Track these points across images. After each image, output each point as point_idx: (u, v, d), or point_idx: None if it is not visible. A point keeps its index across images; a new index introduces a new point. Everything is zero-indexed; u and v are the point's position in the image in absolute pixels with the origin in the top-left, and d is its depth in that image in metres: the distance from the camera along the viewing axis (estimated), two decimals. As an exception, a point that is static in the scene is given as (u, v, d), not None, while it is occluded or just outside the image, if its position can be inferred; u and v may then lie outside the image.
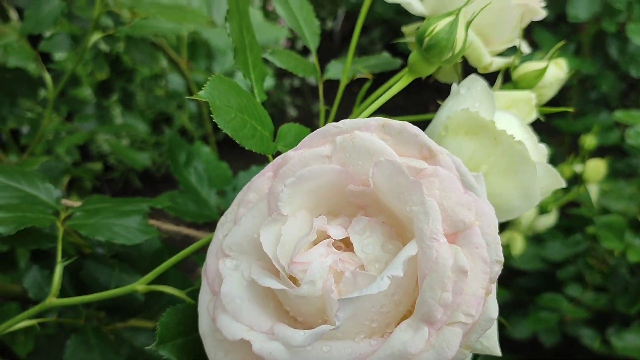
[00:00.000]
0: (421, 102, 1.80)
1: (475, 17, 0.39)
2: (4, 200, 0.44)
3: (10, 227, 0.40)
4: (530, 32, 1.26)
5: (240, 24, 0.43)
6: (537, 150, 0.41)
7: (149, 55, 0.79)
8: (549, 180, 0.40)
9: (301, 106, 2.52)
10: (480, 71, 0.45)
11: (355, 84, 0.51)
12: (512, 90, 0.45)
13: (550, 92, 0.47)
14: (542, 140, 0.43)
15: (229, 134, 0.35)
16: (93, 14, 0.64)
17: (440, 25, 0.38)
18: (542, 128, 0.59)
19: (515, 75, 0.47)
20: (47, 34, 0.70)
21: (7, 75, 0.73)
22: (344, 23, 2.77)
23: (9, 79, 0.73)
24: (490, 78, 0.44)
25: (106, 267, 0.50)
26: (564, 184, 0.41)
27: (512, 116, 0.41)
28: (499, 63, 0.45)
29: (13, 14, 0.86)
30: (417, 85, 0.48)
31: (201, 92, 0.35)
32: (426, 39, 0.38)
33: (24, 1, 0.72)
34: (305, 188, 0.32)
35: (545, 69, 0.45)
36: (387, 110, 0.41)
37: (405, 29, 0.49)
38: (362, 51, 2.55)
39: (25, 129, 1.07)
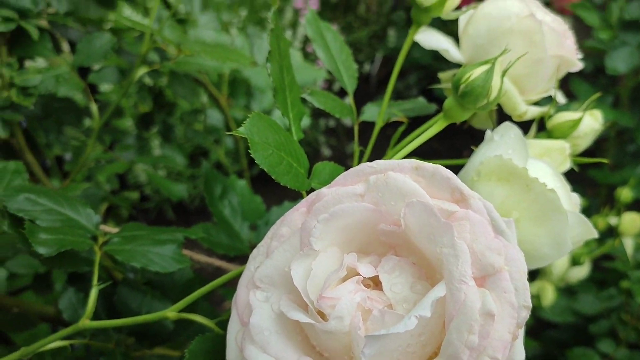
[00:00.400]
0: (455, 146, 1.80)
1: (511, 66, 0.40)
2: (47, 222, 0.45)
3: (52, 249, 0.42)
4: (567, 82, 1.26)
5: (281, 65, 0.44)
6: (570, 199, 0.41)
7: (191, 91, 0.81)
8: (580, 229, 0.40)
9: (335, 146, 2.54)
10: (514, 119, 0.45)
11: (390, 126, 0.52)
12: (546, 139, 0.45)
13: (584, 143, 0.47)
14: (576, 190, 0.43)
15: (265, 170, 0.36)
16: (141, 50, 0.66)
17: (477, 73, 0.38)
18: (578, 179, 0.59)
19: (550, 124, 0.47)
20: (96, 66, 0.73)
21: (56, 105, 0.76)
22: (381, 67, 2.80)
23: (57, 108, 0.76)
24: (525, 126, 0.44)
25: (139, 293, 0.51)
26: (596, 234, 0.40)
27: (545, 165, 0.41)
28: (533, 112, 0.46)
29: (65, 46, 0.89)
30: (452, 130, 0.49)
31: (241, 129, 0.36)
32: (462, 86, 0.39)
33: (76, 35, 0.75)
34: (337, 225, 0.32)
35: (580, 119, 0.46)
36: (420, 153, 0.42)
37: (441, 75, 0.50)
38: (398, 95, 2.58)
39: (67, 156, 1.11)
